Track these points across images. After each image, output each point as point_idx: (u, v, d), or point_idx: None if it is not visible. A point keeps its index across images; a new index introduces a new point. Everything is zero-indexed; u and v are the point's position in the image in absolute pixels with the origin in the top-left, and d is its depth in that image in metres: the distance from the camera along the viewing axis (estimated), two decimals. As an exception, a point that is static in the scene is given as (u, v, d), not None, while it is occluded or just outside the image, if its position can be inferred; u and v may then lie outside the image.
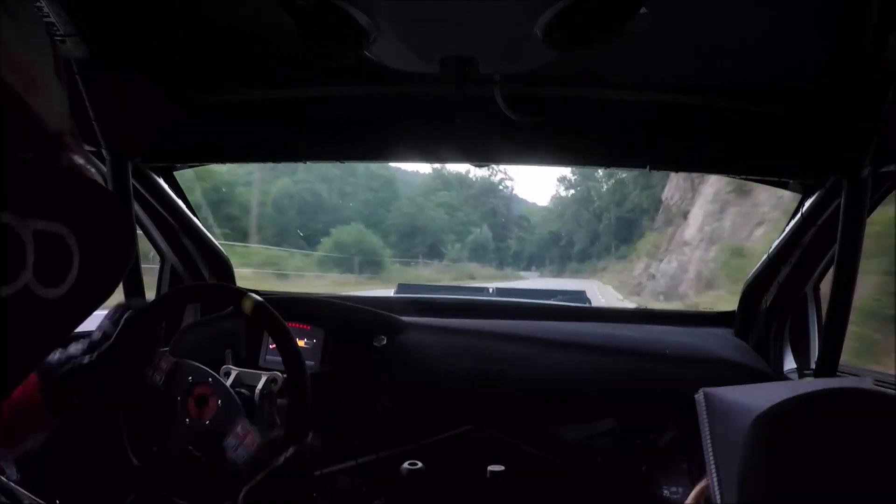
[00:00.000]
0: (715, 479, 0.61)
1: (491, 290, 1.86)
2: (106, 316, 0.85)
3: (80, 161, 0.35)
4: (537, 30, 0.72)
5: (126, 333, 0.84)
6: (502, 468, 1.06)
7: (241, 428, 0.85)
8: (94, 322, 0.85)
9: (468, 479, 1.08)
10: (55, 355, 0.78)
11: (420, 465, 1.06)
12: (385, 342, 1.20)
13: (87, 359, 0.79)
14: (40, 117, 0.32)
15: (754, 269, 1.28)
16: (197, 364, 0.91)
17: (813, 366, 1.14)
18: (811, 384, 0.70)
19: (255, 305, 0.88)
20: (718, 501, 0.60)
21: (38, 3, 0.74)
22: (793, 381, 0.71)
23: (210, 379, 0.90)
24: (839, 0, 0.74)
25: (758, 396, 0.64)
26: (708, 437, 0.63)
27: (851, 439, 0.38)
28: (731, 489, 0.59)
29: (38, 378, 0.74)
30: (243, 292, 0.90)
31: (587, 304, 1.78)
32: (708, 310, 1.51)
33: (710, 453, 0.62)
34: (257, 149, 1.21)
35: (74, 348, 0.81)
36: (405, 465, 1.07)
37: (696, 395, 0.66)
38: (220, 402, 0.88)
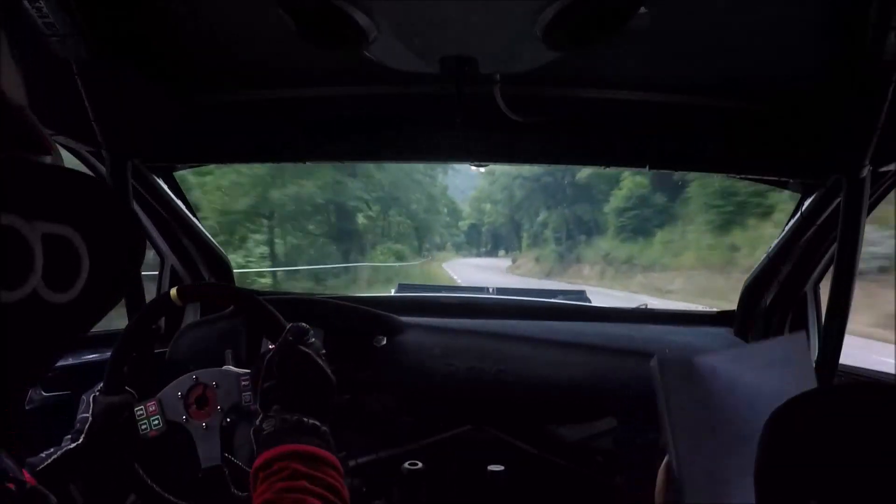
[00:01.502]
0: (673, 451, 0.61)
1: (491, 290, 1.86)
2: (80, 409, 0.85)
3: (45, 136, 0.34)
4: (537, 30, 0.72)
5: (100, 409, 0.84)
6: (502, 468, 1.06)
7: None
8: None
9: (468, 479, 1.08)
10: (40, 455, 0.77)
11: (420, 465, 1.06)
12: (385, 342, 1.20)
13: (73, 445, 0.78)
14: (3, 93, 0.32)
15: (754, 269, 1.28)
16: (176, 381, 0.90)
17: (813, 365, 1.14)
18: (756, 348, 0.71)
19: (179, 292, 0.88)
20: (677, 473, 0.60)
21: (37, 3, 0.74)
22: (738, 349, 0.72)
23: (195, 377, 0.89)
24: (839, 0, 0.74)
25: (715, 361, 0.65)
26: (665, 406, 0.63)
27: (870, 433, 0.38)
28: (692, 458, 0.60)
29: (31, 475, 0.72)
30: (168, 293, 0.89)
31: (587, 304, 1.78)
32: (708, 310, 1.51)
33: (668, 424, 0.62)
34: (257, 149, 1.21)
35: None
36: (405, 465, 1.07)
37: (651, 363, 0.66)
38: (214, 384, 0.88)
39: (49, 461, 0.75)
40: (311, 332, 0.72)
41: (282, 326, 0.75)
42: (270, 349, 0.73)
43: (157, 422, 0.87)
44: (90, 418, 0.83)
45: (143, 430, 0.86)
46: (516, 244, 31.37)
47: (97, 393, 0.86)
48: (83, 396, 0.87)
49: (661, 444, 0.64)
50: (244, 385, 0.88)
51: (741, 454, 0.57)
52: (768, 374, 0.63)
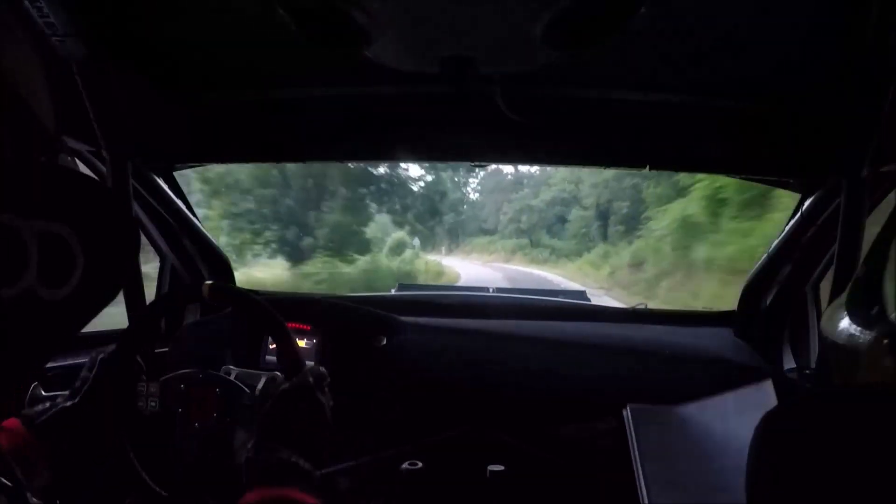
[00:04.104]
0: (644, 492, 0.61)
1: (491, 290, 1.86)
2: (85, 366, 0.85)
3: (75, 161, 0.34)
4: (537, 30, 0.72)
5: (103, 371, 0.83)
6: (502, 468, 1.06)
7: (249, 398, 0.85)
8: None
9: (468, 479, 1.08)
10: (37, 406, 0.77)
11: (420, 465, 1.06)
12: (384, 342, 1.20)
13: (69, 403, 0.78)
14: (40, 119, 0.32)
15: (754, 269, 1.28)
16: (183, 371, 0.90)
17: (813, 365, 1.14)
18: (727, 397, 0.71)
19: (211, 289, 0.87)
20: None
21: (38, 3, 0.74)
22: (707, 400, 0.72)
23: (201, 375, 0.89)
24: (839, 0, 0.74)
25: (690, 410, 0.65)
26: (636, 451, 0.63)
27: (863, 437, 0.38)
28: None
29: (23, 426, 0.72)
30: (199, 286, 0.89)
31: (587, 304, 1.78)
32: (708, 309, 1.51)
33: (638, 465, 0.62)
34: (257, 149, 1.21)
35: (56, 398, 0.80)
36: (405, 465, 1.07)
37: (623, 412, 0.67)
38: (217, 390, 0.88)
39: (45, 417, 0.75)
40: (329, 379, 0.74)
41: (301, 363, 0.76)
42: (281, 381, 0.74)
43: (154, 404, 0.87)
44: (91, 379, 0.82)
45: (139, 407, 0.86)
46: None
47: (106, 355, 0.86)
48: (92, 355, 0.87)
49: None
50: (244, 387, 0.87)
51: (710, 490, 0.57)
52: (738, 422, 0.63)
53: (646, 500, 0.60)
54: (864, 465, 0.37)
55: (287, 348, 0.82)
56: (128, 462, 0.85)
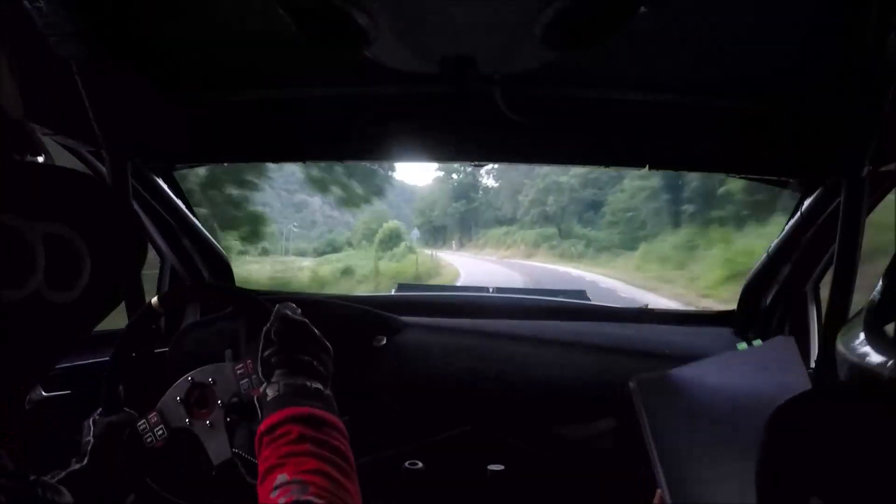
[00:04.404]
0: (662, 480, 0.60)
1: (491, 290, 1.86)
2: (84, 431, 0.86)
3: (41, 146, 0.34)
4: (537, 30, 0.72)
5: (103, 430, 0.85)
6: (502, 468, 1.06)
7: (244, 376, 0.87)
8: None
9: (468, 478, 1.08)
10: (45, 477, 0.77)
11: (420, 464, 1.06)
12: (385, 342, 1.20)
13: (78, 466, 0.79)
14: (2, 107, 0.32)
15: (754, 269, 1.28)
16: (172, 385, 0.90)
17: (813, 365, 1.14)
18: (743, 354, 0.68)
19: (160, 299, 0.90)
20: (668, 499, 0.59)
21: (37, 3, 0.74)
22: (720, 356, 0.69)
23: (190, 378, 0.89)
24: (839, 0, 0.74)
25: (693, 372, 0.63)
26: (648, 431, 0.61)
27: (872, 431, 0.37)
28: (681, 485, 0.58)
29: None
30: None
31: (587, 304, 1.78)
32: (708, 309, 1.51)
33: (653, 450, 0.60)
34: (257, 149, 1.21)
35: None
36: (405, 464, 1.07)
37: (629, 385, 0.65)
38: (211, 381, 0.88)
39: (54, 481, 0.75)
40: (300, 310, 0.74)
41: (271, 309, 0.76)
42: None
43: (161, 431, 0.88)
44: (92, 440, 0.84)
45: (148, 442, 0.87)
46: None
47: (97, 416, 0.87)
48: (84, 422, 0.89)
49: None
50: (240, 374, 0.88)
51: (735, 460, 0.55)
52: (759, 379, 0.61)
53: (663, 481, 0.59)
54: (875, 461, 0.36)
55: (254, 308, 0.88)
56: (162, 499, 0.86)
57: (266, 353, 0.67)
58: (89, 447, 0.83)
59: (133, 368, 0.95)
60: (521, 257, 20.12)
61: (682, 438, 0.62)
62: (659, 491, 0.62)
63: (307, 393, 0.60)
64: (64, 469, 0.79)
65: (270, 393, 0.61)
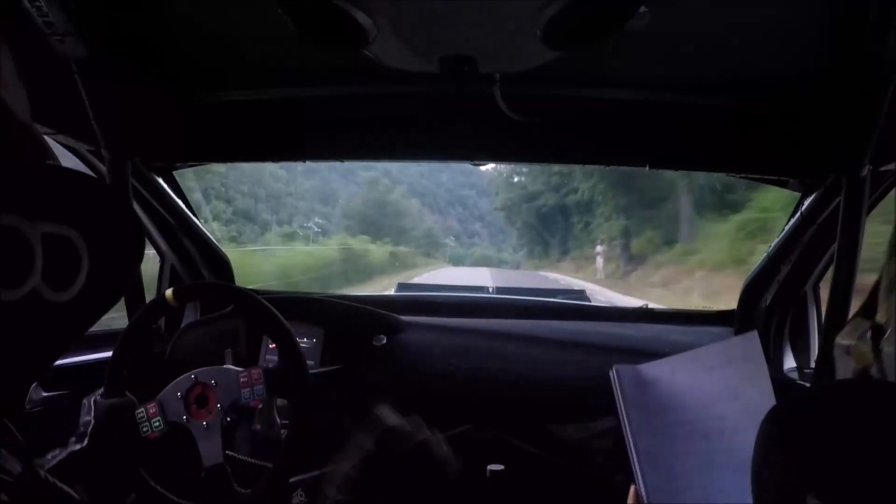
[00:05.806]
0: (637, 466, 0.61)
1: (491, 290, 1.86)
2: (83, 411, 0.86)
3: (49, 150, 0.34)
4: (537, 30, 0.72)
5: (102, 411, 0.85)
6: (502, 468, 1.06)
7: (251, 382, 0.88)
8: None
9: (468, 478, 1.08)
10: (46, 456, 0.77)
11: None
12: (385, 341, 1.20)
13: (77, 447, 0.79)
14: (10, 109, 0.32)
15: (754, 268, 1.28)
16: (176, 380, 0.90)
17: (813, 365, 1.14)
18: (711, 349, 0.70)
19: (175, 292, 0.91)
20: (643, 491, 0.60)
21: (37, 3, 0.74)
22: (691, 352, 0.72)
23: (193, 376, 0.90)
24: (839, 0, 0.74)
25: (664, 367, 0.66)
26: (625, 419, 0.64)
27: (870, 429, 0.37)
28: (654, 473, 0.60)
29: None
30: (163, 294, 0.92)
31: (587, 304, 1.78)
32: (708, 309, 1.51)
33: (629, 434, 0.63)
34: (257, 149, 1.21)
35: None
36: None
37: (610, 372, 0.68)
38: (213, 382, 0.89)
39: (54, 462, 0.75)
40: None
41: (286, 330, 0.78)
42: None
43: (158, 423, 0.88)
44: (92, 421, 0.83)
45: (144, 431, 0.87)
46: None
47: (98, 396, 0.87)
48: (84, 400, 0.88)
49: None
50: (243, 382, 0.88)
51: (703, 452, 0.58)
52: (724, 373, 0.64)
53: (633, 449, 0.61)
54: (871, 455, 0.36)
55: (263, 313, 0.89)
56: (150, 489, 0.86)
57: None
58: (89, 428, 0.82)
59: (138, 356, 0.95)
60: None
61: (654, 427, 0.65)
62: (633, 488, 0.64)
63: None
64: (63, 449, 0.78)
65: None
